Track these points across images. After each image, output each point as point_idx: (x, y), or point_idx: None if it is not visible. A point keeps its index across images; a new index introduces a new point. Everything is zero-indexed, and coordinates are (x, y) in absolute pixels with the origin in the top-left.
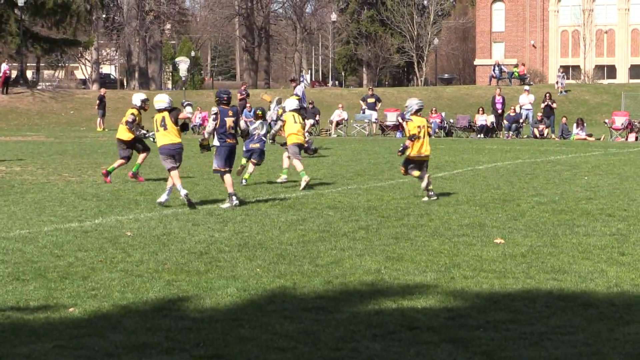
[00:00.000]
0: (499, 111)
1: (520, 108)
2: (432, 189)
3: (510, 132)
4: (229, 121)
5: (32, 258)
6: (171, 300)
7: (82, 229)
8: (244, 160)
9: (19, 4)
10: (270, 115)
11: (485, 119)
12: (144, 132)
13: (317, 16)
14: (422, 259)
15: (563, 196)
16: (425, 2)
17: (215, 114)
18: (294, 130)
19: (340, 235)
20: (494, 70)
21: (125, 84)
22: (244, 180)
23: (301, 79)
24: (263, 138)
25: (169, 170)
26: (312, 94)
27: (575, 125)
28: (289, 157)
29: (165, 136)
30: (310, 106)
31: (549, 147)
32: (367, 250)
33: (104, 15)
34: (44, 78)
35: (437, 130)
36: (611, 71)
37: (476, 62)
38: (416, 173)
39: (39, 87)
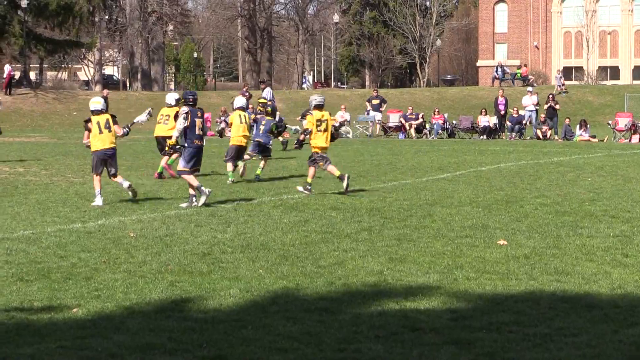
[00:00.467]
0: (502, 112)
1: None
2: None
3: (513, 134)
4: (198, 122)
5: (35, 259)
6: (174, 301)
7: (85, 230)
8: (240, 163)
9: (22, 6)
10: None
11: (487, 120)
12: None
13: (319, 17)
14: (424, 261)
15: (566, 198)
16: (427, 3)
17: (187, 113)
18: (239, 130)
19: (343, 237)
20: (496, 71)
21: (128, 85)
22: (257, 177)
23: (303, 80)
24: (269, 134)
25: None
26: None
27: (578, 126)
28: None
29: (104, 140)
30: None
31: (552, 148)
32: (370, 252)
33: (106, 17)
34: (46, 79)
35: (439, 131)
36: (614, 72)
37: (479, 63)
38: (331, 168)
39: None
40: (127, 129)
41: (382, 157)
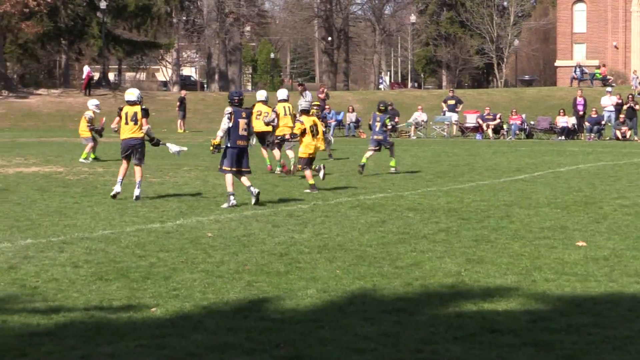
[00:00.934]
0: (581, 113)
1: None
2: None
3: (592, 134)
4: (242, 122)
5: (115, 258)
6: (252, 301)
7: (163, 230)
8: (290, 153)
9: (101, 7)
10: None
11: (566, 120)
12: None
13: (396, 18)
14: (502, 262)
15: None
16: (505, 3)
17: (230, 113)
18: (283, 121)
19: (420, 237)
20: (575, 71)
21: (205, 86)
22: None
23: (380, 81)
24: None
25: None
26: (391, 96)
27: None
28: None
29: (129, 130)
30: (390, 108)
31: (632, 149)
32: (447, 253)
33: (184, 18)
34: (125, 80)
35: (517, 132)
36: None
37: (557, 63)
38: (314, 166)
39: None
40: (155, 139)
41: (459, 157)
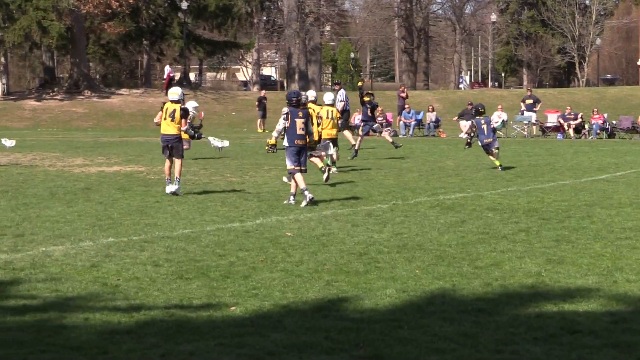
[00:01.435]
0: None
1: None
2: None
3: None
4: (299, 122)
5: (195, 257)
6: (331, 301)
7: (243, 229)
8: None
9: (182, 8)
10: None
11: None
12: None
13: (476, 17)
14: (583, 262)
15: None
16: (587, 2)
17: (286, 114)
18: (325, 123)
19: (500, 237)
20: None
21: (285, 85)
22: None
23: (460, 80)
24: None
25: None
26: (472, 95)
27: None
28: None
29: (167, 127)
30: (470, 107)
31: None
32: (527, 253)
33: (264, 18)
34: (205, 80)
35: (598, 131)
36: None
37: None
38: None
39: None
40: (195, 132)
41: (540, 157)
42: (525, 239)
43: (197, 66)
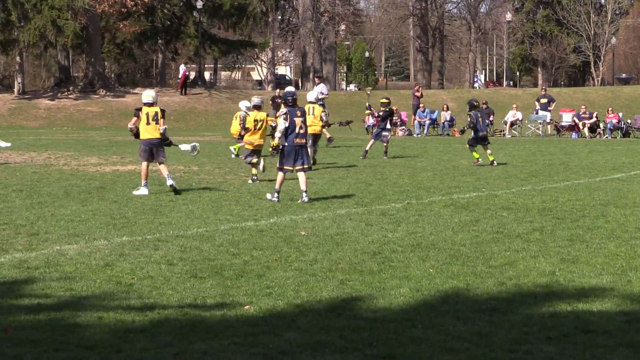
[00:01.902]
0: None
1: None
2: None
3: None
4: (298, 121)
5: (209, 256)
6: (344, 300)
7: (257, 228)
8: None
9: (198, 7)
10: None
11: None
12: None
13: (491, 16)
14: (597, 262)
15: None
16: (602, 1)
17: (285, 114)
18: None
19: (514, 237)
20: None
21: (300, 84)
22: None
23: (475, 79)
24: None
25: (143, 162)
26: (486, 95)
27: None
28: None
29: (151, 130)
30: (484, 106)
31: None
32: (542, 252)
33: (279, 17)
34: (220, 79)
35: (613, 130)
36: None
37: None
38: (254, 160)
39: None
40: (169, 139)
41: (554, 156)
42: (539, 238)
43: (212, 65)
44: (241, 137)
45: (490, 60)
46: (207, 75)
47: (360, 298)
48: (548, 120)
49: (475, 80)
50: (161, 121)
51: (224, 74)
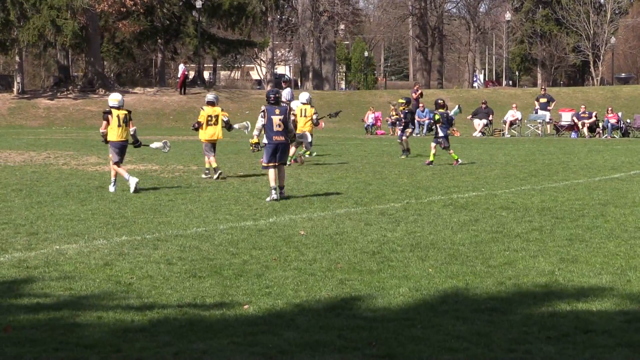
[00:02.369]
0: None
1: None
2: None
3: None
4: (276, 119)
5: (208, 255)
6: (344, 299)
7: (256, 228)
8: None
9: (197, 6)
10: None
11: None
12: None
13: (491, 15)
14: (597, 261)
15: None
16: (601, 1)
17: (263, 112)
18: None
19: (514, 236)
20: None
21: (299, 84)
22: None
23: (474, 79)
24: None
25: (115, 163)
26: (486, 94)
27: None
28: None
29: (122, 133)
30: (484, 106)
31: None
32: (541, 252)
33: (278, 17)
34: (220, 79)
35: (612, 130)
36: None
37: None
38: (212, 159)
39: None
40: (138, 140)
41: (553, 156)
42: (538, 238)
43: (212, 65)
44: (196, 129)
45: (490, 60)
46: (206, 74)
47: (359, 297)
48: (547, 120)
49: (475, 79)
50: (130, 123)
51: (223, 73)
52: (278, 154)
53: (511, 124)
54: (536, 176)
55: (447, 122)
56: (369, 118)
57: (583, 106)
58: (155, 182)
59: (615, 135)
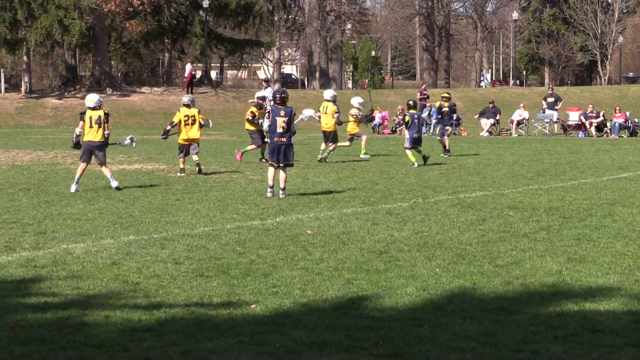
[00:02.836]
0: None
1: None
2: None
3: None
4: (280, 120)
5: (215, 255)
6: (351, 299)
7: (263, 227)
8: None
9: (204, 6)
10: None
11: None
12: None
13: (498, 15)
14: (604, 261)
15: None
16: (609, 0)
17: (268, 112)
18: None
19: (521, 236)
20: None
21: (306, 83)
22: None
23: (481, 78)
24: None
25: (81, 160)
26: (493, 93)
27: None
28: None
29: (94, 133)
30: (491, 105)
31: None
32: (548, 251)
33: (285, 16)
34: (227, 78)
35: (620, 129)
36: None
37: None
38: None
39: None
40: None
41: (561, 155)
42: (546, 238)
43: (218, 64)
44: (165, 132)
45: (497, 59)
46: (213, 74)
47: (366, 297)
48: (555, 119)
49: (482, 79)
50: (105, 125)
51: (230, 73)
52: (280, 156)
53: (518, 123)
54: (543, 176)
55: (419, 123)
56: (376, 117)
57: (591, 105)
58: (162, 181)
59: (622, 135)
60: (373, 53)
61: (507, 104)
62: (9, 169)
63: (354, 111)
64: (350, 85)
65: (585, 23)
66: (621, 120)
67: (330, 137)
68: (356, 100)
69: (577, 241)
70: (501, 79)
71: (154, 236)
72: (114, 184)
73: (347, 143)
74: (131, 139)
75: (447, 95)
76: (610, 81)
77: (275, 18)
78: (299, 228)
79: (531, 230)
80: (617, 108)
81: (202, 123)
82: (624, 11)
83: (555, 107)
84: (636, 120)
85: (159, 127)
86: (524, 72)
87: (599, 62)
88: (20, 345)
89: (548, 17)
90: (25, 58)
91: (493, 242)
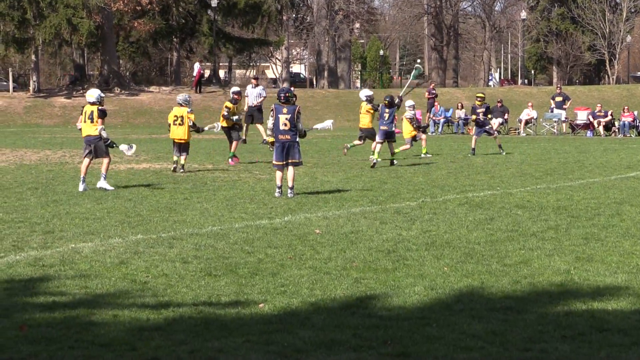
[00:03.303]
0: None
1: None
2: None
3: None
4: (282, 118)
5: (223, 254)
6: (359, 298)
7: (272, 226)
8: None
9: (212, 5)
10: None
11: None
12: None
13: (506, 14)
14: (612, 260)
15: None
16: None
17: (272, 111)
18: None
19: (529, 235)
20: None
21: (314, 83)
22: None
23: (490, 78)
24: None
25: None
26: (501, 93)
27: None
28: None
29: (86, 128)
30: (499, 105)
31: None
32: (557, 251)
33: (294, 15)
34: (235, 77)
35: (628, 129)
36: None
37: None
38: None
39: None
40: (108, 140)
41: (569, 155)
42: (554, 237)
43: (227, 63)
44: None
45: (505, 59)
46: (221, 73)
47: (374, 296)
48: (563, 119)
49: (490, 78)
50: (98, 121)
51: (238, 72)
52: (285, 153)
53: (527, 122)
54: (552, 175)
55: (391, 118)
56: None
57: (599, 105)
58: (170, 180)
59: (631, 134)
60: (381, 52)
61: (515, 103)
62: (17, 168)
63: (408, 114)
64: (358, 84)
65: (593, 22)
66: (630, 119)
67: (369, 135)
68: (364, 93)
69: (585, 240)
70: (509, 78)
71: (162, 235)
72: (100, 183)
73: (407, 146)
74: (130, 146)
75: (481, 95)
76: (618, 80)
77: (284, 17)
78: (307, 227)
79: (539, 230)
80: (626, 107)
81: (191, 124)
82: (632, 10)
83: (564, 107)
84: None
85: (167, 126)
86: (532, 72)
87: (607, 61)
88: (28, 344)
89: (556, 16)
90: (33, 57)
91: (501, 242)
